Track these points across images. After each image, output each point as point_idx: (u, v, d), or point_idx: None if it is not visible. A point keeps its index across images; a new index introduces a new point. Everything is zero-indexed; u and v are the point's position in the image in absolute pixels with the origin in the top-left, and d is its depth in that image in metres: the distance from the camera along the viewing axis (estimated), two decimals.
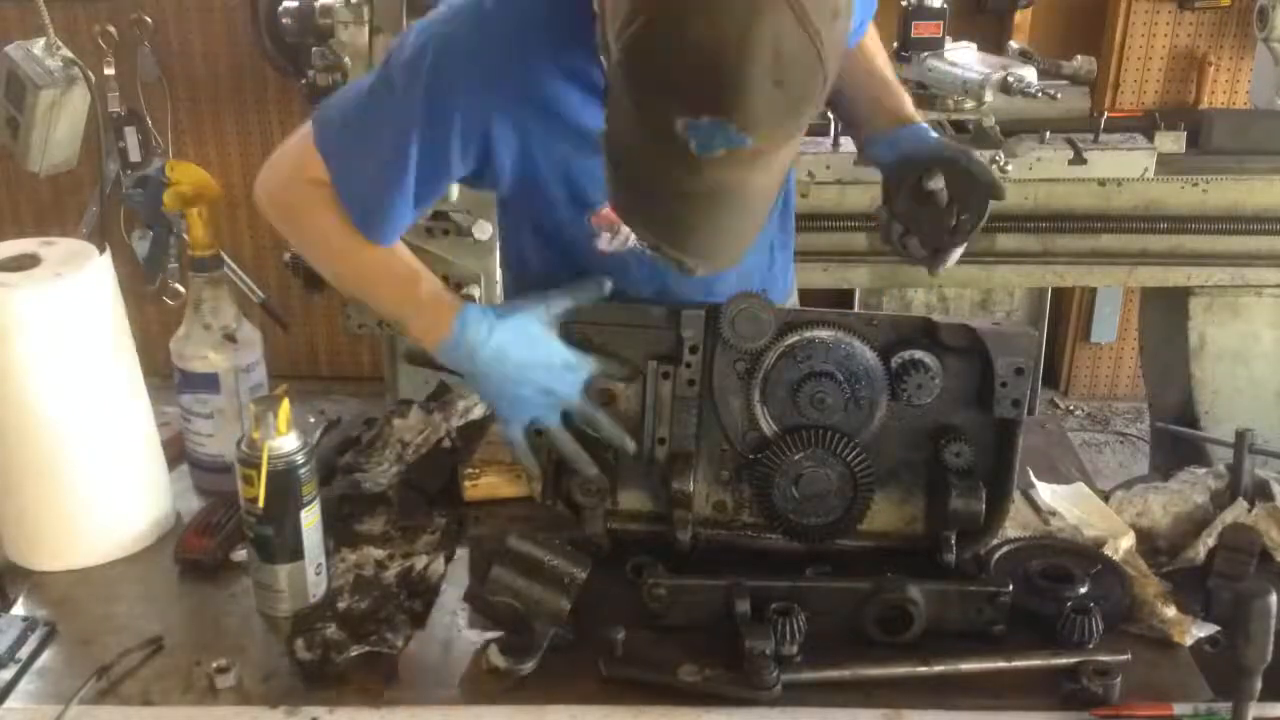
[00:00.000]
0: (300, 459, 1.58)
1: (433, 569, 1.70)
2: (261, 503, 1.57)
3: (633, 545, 1.70)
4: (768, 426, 1.68)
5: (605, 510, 1.69)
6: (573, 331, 1.65)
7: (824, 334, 1.65)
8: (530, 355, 1.62)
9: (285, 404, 1.58)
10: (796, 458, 1.66)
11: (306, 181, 1.63)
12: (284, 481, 1.58)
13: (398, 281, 1.68)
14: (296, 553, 1.61)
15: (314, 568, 1.63)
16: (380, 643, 1.54)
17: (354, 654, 1.52)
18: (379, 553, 1.73)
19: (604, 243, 1.72)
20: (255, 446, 1.56)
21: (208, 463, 1.95)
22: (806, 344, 1.65)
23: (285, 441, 1.58)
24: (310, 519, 1.61)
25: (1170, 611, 1.58)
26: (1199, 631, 1.56)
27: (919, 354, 1.63)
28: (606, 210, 1.62)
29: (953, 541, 1.64)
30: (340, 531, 1.77)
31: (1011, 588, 1.57)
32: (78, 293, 1.66)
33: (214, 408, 1.91)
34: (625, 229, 1.66)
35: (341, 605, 1.61)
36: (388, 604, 1.61)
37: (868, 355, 1.65)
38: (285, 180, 1.67)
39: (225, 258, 1.96)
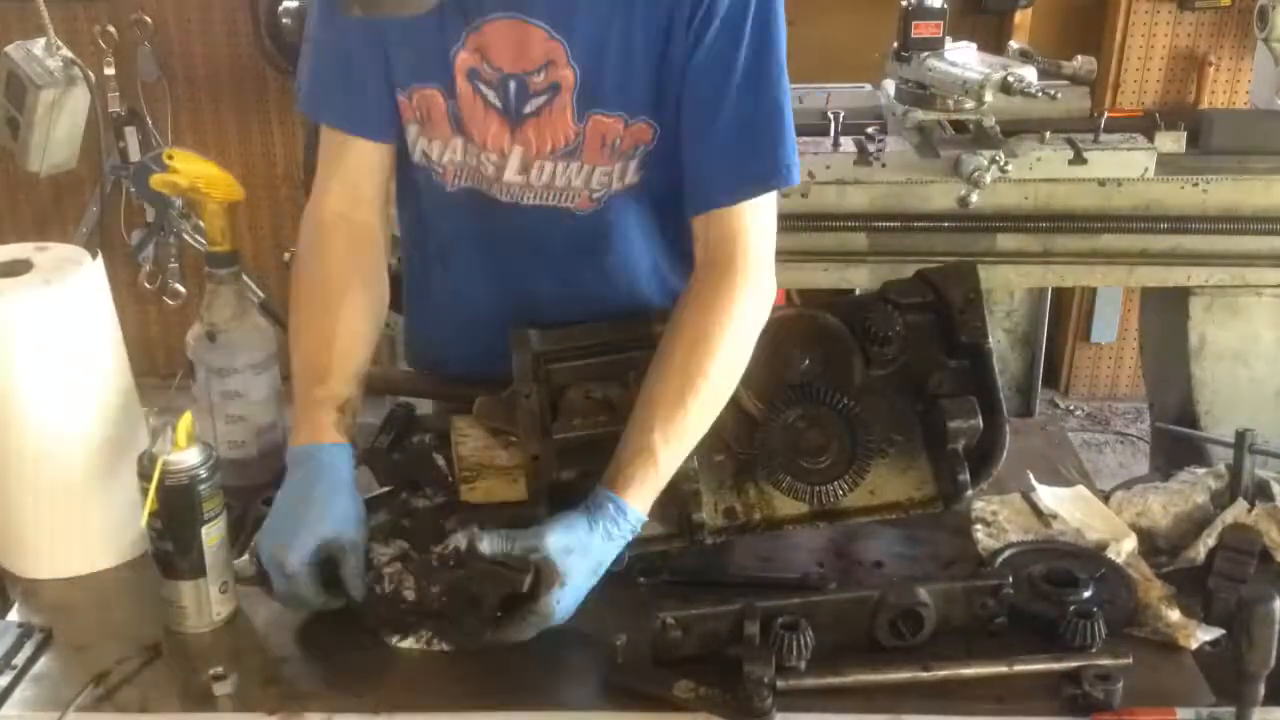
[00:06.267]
0: (203, 474, 1.56)
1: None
2: (147, 516, 1.56)
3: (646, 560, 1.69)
4: (754, 407, 1.71)
5: None
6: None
7: (788, 312, 1.74)
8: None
9: (186, 418, 1.57)
10: (790, 418, 1.68)
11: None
12: (182, 497, 1.56)
13: (317, 367, 1.73)
14: (198, 570, 1.59)
15: (218, 586, 1.61)
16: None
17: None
18: (406, 544, 1.73)
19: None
20: (153, 461, 1.55)
21: None
22: (774, 322, 1.71)
23: (185, 456, 1.56)
24: (213, 535, 1.59)
25: (1174, 615, 1.58)
26: (1204, 635, 1.55)
27: (876, 308, 1.73)
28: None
29: (960, 453, 1.67)
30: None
31: (1013, 590, 1.57)
32: (67, 300, 1.65)
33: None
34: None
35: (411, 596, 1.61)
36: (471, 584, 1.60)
37: (830, 320, 1.74)
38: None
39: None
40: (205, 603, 1.60)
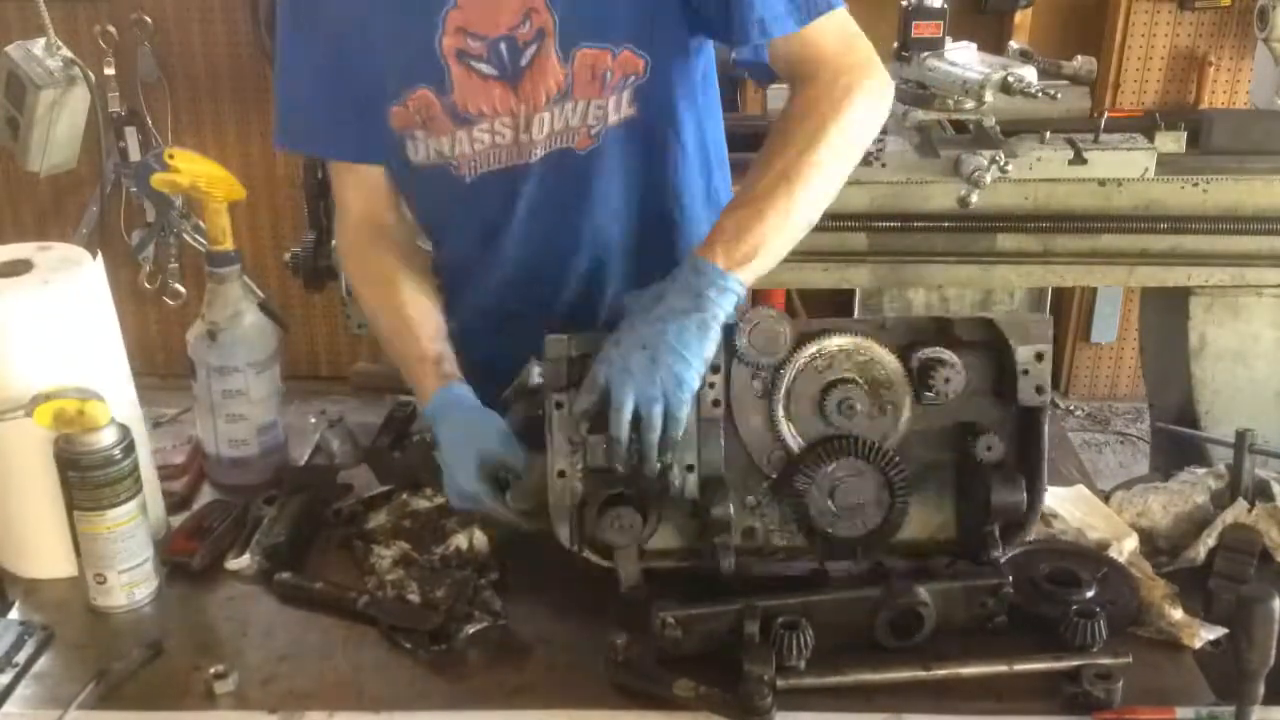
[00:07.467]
0: (119, 454, 1.59)
1: (478, 541, 1.72)
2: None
3: (665, 580, 1.63)
4: (794, 442, 1.65)
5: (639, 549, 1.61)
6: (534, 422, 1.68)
7: (841, 341, 1.64)
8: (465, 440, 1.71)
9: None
10: (830, 469, 1.62)
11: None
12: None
13: (405, 343, 1.84)
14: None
15: (93, 575, 1.64)
16: (488, 616, 1.59)
17: (470, 631, 1.56)
18: (408, 546, 1.74)
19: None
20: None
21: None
22: (825, 354, 1.64)
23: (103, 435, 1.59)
24: (89, 523, 1.61)
25: (1178, 614, 1.58)
26: (1207, 634, 1.55)
27: (939, 350, 1.62)
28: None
29: (997, 535, 1.61)
30: (359, 533, 1.78)
31: (1014, 589, 1.57)
32: (66, 299, 1.65)
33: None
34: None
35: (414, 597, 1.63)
36: (467, 586, 1.63)
37: (887, 358, 1.64)
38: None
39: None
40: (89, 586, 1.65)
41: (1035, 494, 1.63)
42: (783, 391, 1.64)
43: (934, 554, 1.66)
